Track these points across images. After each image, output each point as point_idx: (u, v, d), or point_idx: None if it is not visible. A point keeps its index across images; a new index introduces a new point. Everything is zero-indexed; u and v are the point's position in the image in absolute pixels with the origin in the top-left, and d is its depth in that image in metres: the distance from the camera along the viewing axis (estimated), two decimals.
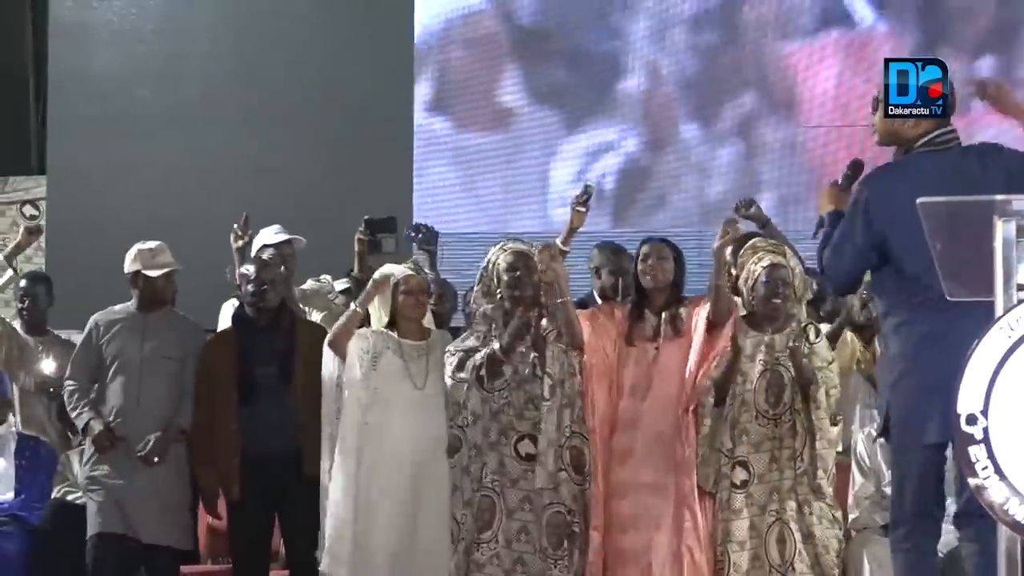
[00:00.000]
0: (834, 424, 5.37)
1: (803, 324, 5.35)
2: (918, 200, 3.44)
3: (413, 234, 6.46)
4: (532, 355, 5.35)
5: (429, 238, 6.33)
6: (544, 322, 5.41)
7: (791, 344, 5.20)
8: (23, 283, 6.92)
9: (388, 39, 9.12)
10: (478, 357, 5.35)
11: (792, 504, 5.19)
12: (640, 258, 5.47)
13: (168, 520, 5.74)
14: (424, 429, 5.47)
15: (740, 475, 5.23)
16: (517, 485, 5.35)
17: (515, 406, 5.37)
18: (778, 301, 5.30)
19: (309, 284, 6.60)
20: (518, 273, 5.40)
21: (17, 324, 6.88)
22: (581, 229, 5.95)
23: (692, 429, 5.28)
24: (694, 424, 5.28)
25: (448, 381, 5.44)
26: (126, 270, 5.93)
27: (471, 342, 5.45)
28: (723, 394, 5.26)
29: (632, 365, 5.40)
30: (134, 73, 9.41)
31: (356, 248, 6.05)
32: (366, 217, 6.11)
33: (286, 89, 9.18)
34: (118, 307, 5.98)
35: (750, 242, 5.51)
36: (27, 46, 10.03)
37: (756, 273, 5.31)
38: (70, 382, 5.90)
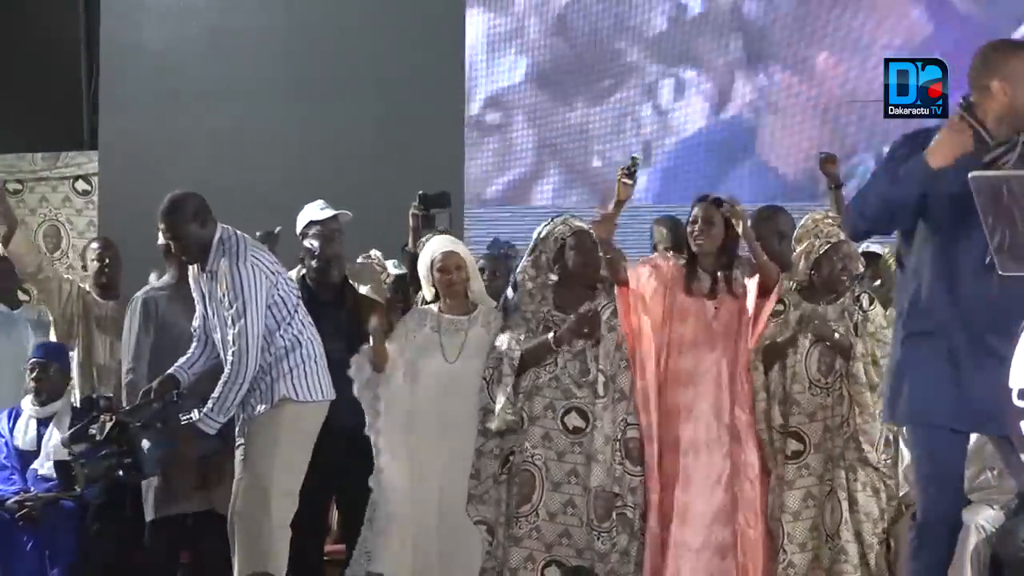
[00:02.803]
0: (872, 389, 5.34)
1: (857, 294, 5.37)
2: (970, 174, 3.43)
3: (497, 249, 6.53)
4: (585, 343, 5.36)
5: (509, 253, 6.35)
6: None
7: (814, 323, 5.23)
8: (99, 245, 6.83)
9: (439, 13, 9.06)
10: (519, 346, 5.35)
11: (841, 472, 5.20)
12: (690, 220, 5.46)
13: (211, 486, 5.69)
14: (452, 403, 5.47)
15: (793, 446, 5.23)
16: (564, 458, 5.35)
17: (569, 378, 5.37)
18: (846, 277, 5.32)
19: (360, 260, 6.53)
20: (582, 255, 5.42)
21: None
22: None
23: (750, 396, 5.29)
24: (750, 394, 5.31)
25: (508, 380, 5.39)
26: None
27: (521, 333, 5.41)
28: (769, 366, 5.28)
29: (691, 320, 5.39)
30: (186, 47, 9.40)
31: (410, 223, 6.06)
32: (420, 192, 6.13)
33: (337, 63, 9.13)
34: (158, 283, 5.95)
35: (808, 216, 5.49)
36: (79, 21, 10.00)
37: (822, 249, 5.33)
38: (131, 373, 5.83)
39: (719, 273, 5.40)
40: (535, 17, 8.94)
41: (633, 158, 5.69)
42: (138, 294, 5.94)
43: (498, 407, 5.33)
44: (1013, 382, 3.41)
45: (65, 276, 6.73)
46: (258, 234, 6.43)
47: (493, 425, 5.32)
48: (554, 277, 5.47)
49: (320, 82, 9.15)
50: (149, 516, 5.70)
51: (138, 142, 9.27)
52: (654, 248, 6.28)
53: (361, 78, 9.10)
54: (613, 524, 5.26)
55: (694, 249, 5.42)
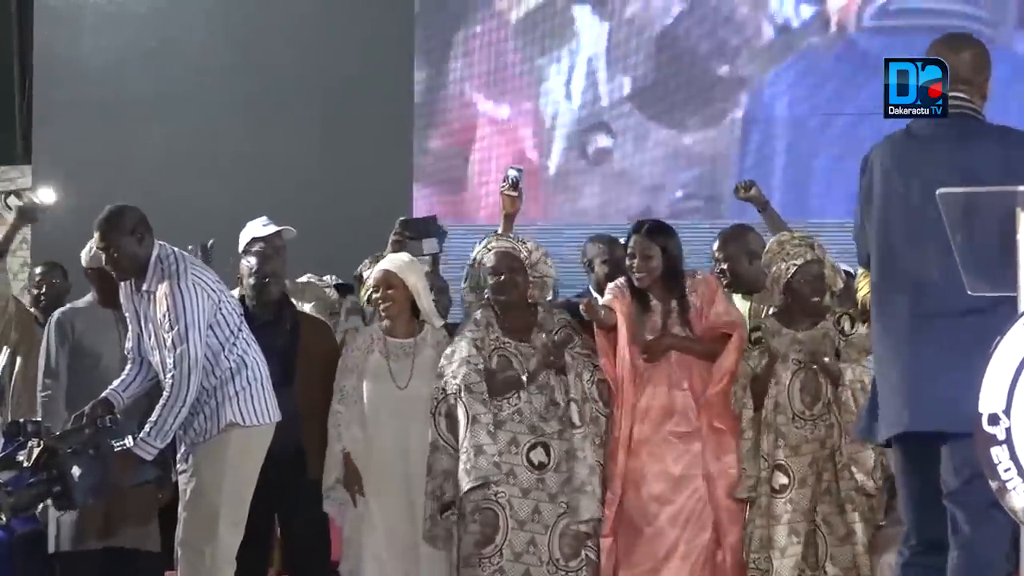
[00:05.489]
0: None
1: (837, 315, 5.24)
2: (938, 191, 3.39)
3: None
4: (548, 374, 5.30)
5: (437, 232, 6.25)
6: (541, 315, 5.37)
7: (800, 346, 5.13)
8: (40, 270, 6.71)
9: (387, 23, 9.04)
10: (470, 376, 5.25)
11: (826, 507, 5.10)
12: (628, 255, 5.37)
13: (135, 523, 5.62)
14: (409, 432, 5.39)
15: (780, 479, 5.12)
16: (528, 495, 5.23)
17: (533, 412, 5.27)
18: (818, 300, 5.21)
19: (304, 279, 6.53)
20: (502, 277, 5.32)
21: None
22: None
23: (713, 420, 5.22)
24: (723, 421, 5.23)
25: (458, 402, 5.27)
26: (87, 264, 5.75)
27: (464, 350, 5.29)
28: (760, 401, 5.17)
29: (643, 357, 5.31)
30: (123, 58, 9.34)
31: (390, 249, 5.98)
32: (401, 219, 6.09)
33: (281, 75, 9.10)
34: (80, 303, 5.86)
35: (774, 239, 5.40)
36: (11, 29, 9.97)
37: (790, 271, 5.20)
38: (47, 392, 5.73)
39: (672, 303, 5.32)
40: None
41: (519, 169, 5.65)
42: (55, 313, 5.83)
43: (469, 456, 5.17)
44: (983, 407, 3.30)
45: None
46: (189, 247, 6.30)
47: (468, 481, 5.15)
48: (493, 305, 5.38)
49: (264, 95, 9.10)
50: (65, 547, 5.59)
51: (73, 156, 9.19)
52: (588, 265, 6.15)
53: (306, 91, 9.06)
54: (581, 564, 5.18)
55: (636, 284, 5.32)
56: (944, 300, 3.74)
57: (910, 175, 3.90)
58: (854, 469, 5.06)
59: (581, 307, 5.26)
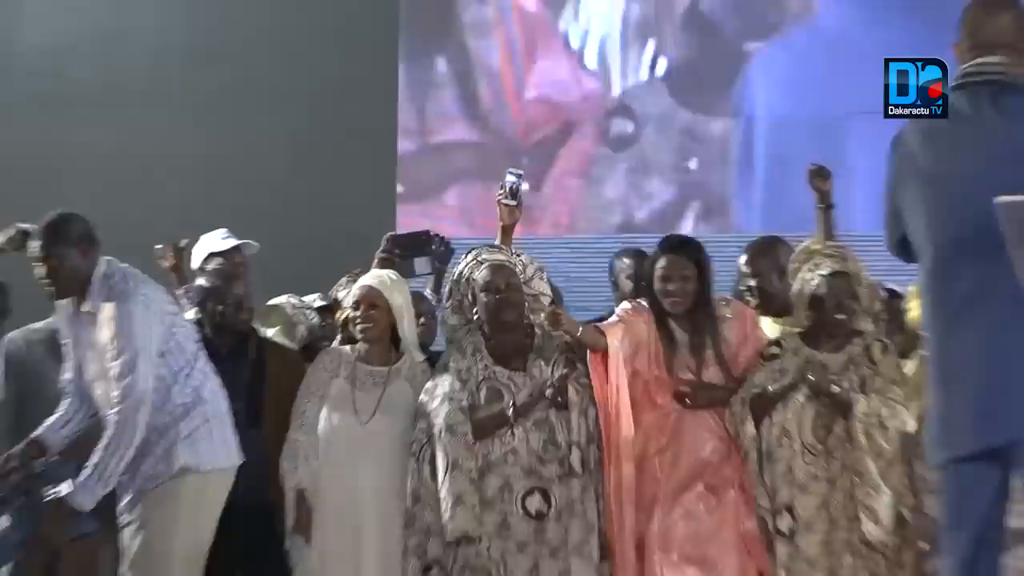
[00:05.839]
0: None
1: (868, 341, 4.85)
2: (996, 200, 3.24)
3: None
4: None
5: (443, 256, 5.88)
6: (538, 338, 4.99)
7: (807, 376, 4.74)
8: None
9: (368, 13, 8.75)
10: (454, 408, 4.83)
11: (849, 559, 4.66)
12: (658, 276, 4.92)
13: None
14: (362, 474, 4.93)
15: (785, 522, 4.71)
16: (526, 550, 4.76)
17: (530, 452, 4.81)
18: (843, 317, 4.81)
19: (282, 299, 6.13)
20: (500, 294, 4.90)
21: None
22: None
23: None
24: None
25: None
26: None
27: (447, 384, 4.87)
28: (758, 420, 4.79)
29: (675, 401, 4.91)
30: (69, 48, 9.03)
31: (376, 268, 5.61)
32: (390, 234, 5.75)
33: (247, 69, 8.76)
34: (38, 324, 5.60)
35: (803, 245, 4.99)
36: None
37: (814, 283, 4.83)
38: None
39: (705, 337, 4.89)
40: None
41: (518, 174, 5.30)
42: (13, 334, 5.68)
43: (447, 507, 4.73)
44: None
45: None
46: (158, 247, 6.17)
47: (448, 531, 4.73)
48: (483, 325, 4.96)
49: (227, 91, 8.76)
50: None
51: (12, 157, 8.83)
52: (615, 284, 5.81)
53: (279, 87, 8.74)
54: None
55: (667, 308, 4.88)
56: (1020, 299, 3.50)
57: (959, 157, 3.73)
58: (863, 517, 4.66)
59: (543, 315, 4.85)
